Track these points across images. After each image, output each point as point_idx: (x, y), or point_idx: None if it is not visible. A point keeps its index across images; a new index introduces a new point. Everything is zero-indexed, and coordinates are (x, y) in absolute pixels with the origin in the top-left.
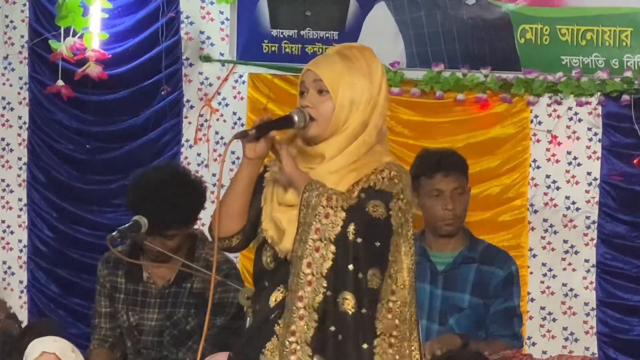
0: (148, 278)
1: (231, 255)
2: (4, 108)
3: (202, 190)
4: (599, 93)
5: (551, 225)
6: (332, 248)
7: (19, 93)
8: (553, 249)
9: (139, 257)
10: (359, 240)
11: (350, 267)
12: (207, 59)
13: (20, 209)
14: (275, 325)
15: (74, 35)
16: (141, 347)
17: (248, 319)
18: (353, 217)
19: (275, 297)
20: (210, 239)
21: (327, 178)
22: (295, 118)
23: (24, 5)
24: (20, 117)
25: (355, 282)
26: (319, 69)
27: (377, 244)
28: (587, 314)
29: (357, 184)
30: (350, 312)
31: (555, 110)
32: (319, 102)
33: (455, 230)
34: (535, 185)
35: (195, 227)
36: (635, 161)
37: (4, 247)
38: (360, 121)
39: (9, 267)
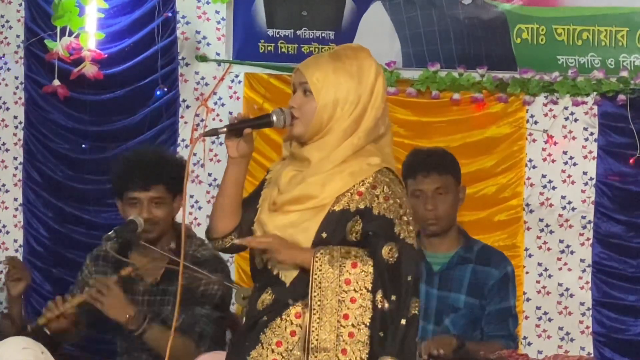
0: (136, 276)
1: (225, 256)
2: (0, 108)
3: (182, 163)
4: (595, 93)
5: (547, 225)
6: (367, 331)
7: (14, 93)
8: (549, 249)
9: (127, 255)
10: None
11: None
12: (203, 58)
13: (16, 209)
14: (261, 333)
15: (70, 35)
16: (130, 343)
17: (244, 319)
18: (379, 285)
19: (263, 299)
20: (196, 235)
21: (311, 185)
22: (274, 118)
23: (20, 5)
24: (16, 117)
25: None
26: (306, 69)
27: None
28: (583, 314)
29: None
30: None
31: (551, 110)
32: (304, 102)
33: (440, 230)
34: (531, 185)
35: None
36: (631, 161)
37: None
38: (347, 123)
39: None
